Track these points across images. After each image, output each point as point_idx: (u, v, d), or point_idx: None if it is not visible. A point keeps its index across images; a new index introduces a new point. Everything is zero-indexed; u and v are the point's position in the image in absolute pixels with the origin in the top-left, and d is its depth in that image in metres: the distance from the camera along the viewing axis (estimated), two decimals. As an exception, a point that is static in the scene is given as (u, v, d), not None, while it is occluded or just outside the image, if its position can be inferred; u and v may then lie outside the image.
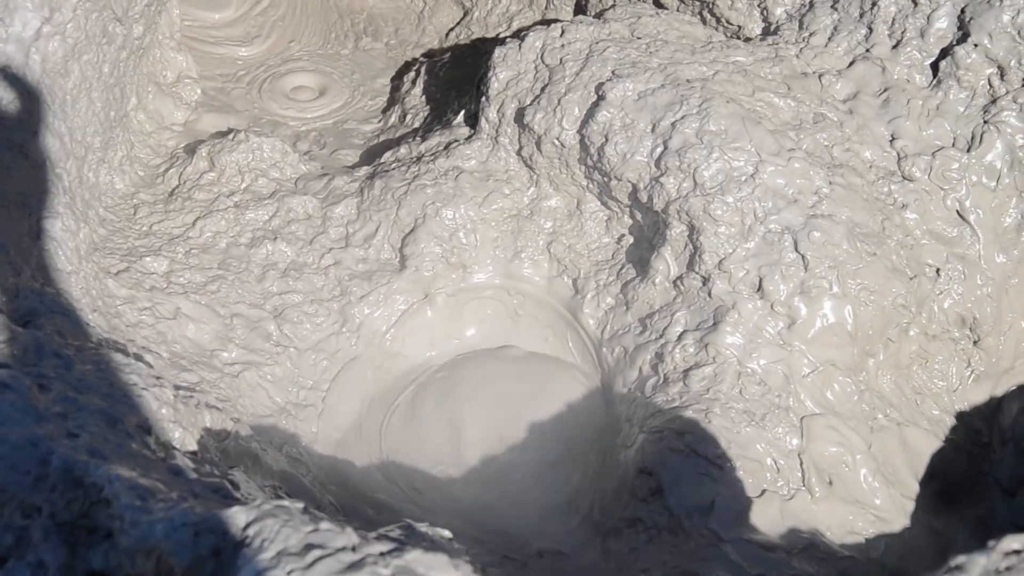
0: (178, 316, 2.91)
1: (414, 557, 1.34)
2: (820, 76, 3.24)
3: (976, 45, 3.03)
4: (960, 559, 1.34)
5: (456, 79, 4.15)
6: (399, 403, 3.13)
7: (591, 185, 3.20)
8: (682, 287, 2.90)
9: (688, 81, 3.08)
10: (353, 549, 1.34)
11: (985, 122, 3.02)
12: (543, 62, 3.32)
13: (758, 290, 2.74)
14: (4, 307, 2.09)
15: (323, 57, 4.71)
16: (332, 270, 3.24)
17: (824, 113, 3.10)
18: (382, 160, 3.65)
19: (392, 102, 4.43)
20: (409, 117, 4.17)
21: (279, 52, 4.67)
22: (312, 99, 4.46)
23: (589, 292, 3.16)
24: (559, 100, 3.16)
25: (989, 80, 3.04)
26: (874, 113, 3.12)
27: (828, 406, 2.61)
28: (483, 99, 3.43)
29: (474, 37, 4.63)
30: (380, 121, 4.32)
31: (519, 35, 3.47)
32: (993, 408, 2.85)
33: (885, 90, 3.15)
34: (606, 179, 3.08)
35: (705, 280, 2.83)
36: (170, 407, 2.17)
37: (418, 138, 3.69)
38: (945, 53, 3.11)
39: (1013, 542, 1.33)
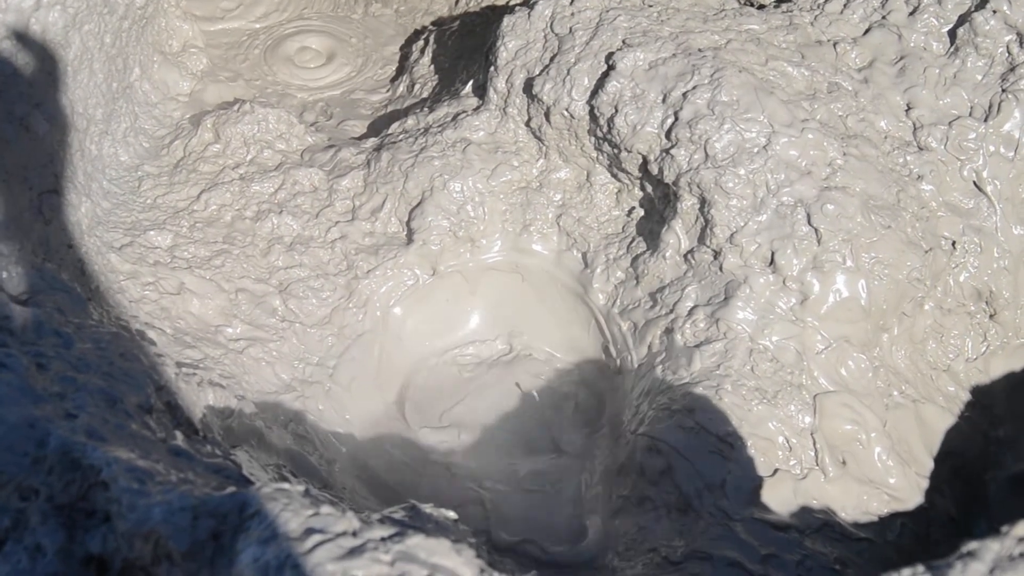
0: (182, 291, 2.88)
1: (416, 542, 1.32)
2: (835, 44, 3.17)
3: (995, 11, 2.97)
4: (973, 545, 1.30)
5: (465, 48, 4.10)
6: (411, 380, 3.12)
7: (601, 157, 3.15)
8: (693, 261, 2.86)
9: (700, 50, 3.03)
10: (354, 534, 1.32)
11: (1003, 90, 2.96)
12: (552, 31, 3.26)
13: (770, 264, 2.70)
14: (3, 283, 2.06)
15: (332, 19, 4.64)
16: (338, 244, 3.21)
17: (839, 82, 3.04)
18: (389, 131, 3.60)
19: (400, 72, 4.38)
20: (417, 87, 4.13)
21: (292, 20, 4.60)
22: (319, 64, 4.41)
23: (599, 266, 3.12)
24: (568, 70, 3.11)
25: (1008, 47, 2.98)
26: (890, 82, 3.07)
27: (842, 383, 2.57)
28: (491, 69, 3.38)
29: (484, 4, 4.57)
30: (388, 91, 4.27)
31: (528, 3, 3.41)
32: (1009, 384, 2.81)
33: (901, 58, 3.09)
34: (616, 151, 3.04)
35: (716, 254, 2.79)
36: (172, 385, 2.15)
37: (426, 109, 3.64)
38: (963, 20, 3.05)
39: (1027, 528, 1.30)
